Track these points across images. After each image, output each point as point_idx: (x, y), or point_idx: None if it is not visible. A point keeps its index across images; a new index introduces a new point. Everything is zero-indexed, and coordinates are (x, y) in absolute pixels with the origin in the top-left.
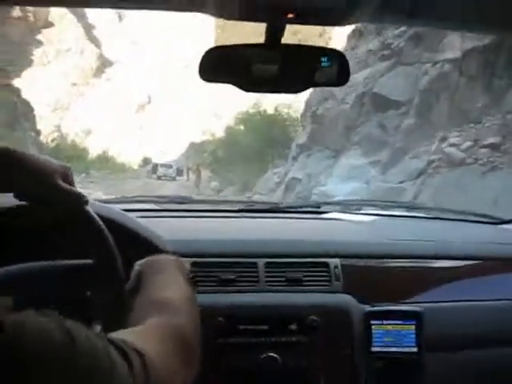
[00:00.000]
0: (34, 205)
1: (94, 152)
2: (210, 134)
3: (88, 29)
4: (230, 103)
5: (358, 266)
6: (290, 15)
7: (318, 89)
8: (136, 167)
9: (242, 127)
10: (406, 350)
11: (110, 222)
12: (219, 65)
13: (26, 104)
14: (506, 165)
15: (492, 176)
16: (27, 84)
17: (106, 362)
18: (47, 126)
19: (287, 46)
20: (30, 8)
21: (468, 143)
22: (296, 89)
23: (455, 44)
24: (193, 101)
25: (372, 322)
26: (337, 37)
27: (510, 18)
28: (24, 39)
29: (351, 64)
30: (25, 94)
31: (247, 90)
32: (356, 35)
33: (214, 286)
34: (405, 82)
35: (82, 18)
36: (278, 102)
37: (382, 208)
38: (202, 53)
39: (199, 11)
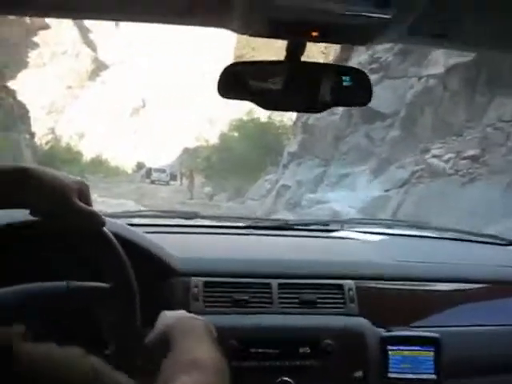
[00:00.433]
0: (49, 222)
1: (88, 155)
2: (203, 139)
3: (84, 32)
4: (224, 110)
5: (371, 288)
6: (314, 33)
7: None
8: (130, 171)
9: (235, 134)
10: (425, 376)
11: (124, 242)
12: (238, 82)
13: (22, 106)
14: (485, 176)
15: (471, 186)
16: (22, 86)
17: None
18: (41, 128)
19: (307, 63)
20: None
21: (450, 155)
22: (317, 109)
23: (439, 60)
24: (187, 106)
25: (389, 347)
26: (329, 47)
27: None
28: (20, 41)
29: None
30: (20, 96)
31: (267, 109)
32: (349, 47)
33: (227, 307)
34: (392, 95)
35: (78, 21)
36: None
37: (390, 227)
38: (200, 59)
39: (223, 27)
